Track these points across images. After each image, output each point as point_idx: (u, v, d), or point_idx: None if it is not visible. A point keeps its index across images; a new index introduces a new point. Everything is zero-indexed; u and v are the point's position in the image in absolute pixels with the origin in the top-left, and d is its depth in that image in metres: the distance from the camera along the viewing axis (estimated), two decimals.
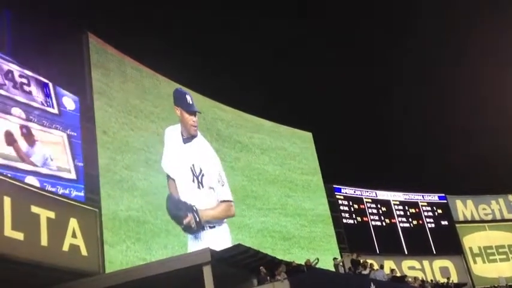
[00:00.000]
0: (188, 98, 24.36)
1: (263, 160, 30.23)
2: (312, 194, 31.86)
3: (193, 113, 23.79)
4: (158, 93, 26.97)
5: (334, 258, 23.78)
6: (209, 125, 27.80)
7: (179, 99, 24.39)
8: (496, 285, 33.37)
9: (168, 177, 23.55)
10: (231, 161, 27.89)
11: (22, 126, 19.68)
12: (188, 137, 23.76)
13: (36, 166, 19.57)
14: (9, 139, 19.04)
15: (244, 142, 29.81)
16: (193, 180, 23.43)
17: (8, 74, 20.15)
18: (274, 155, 31.31)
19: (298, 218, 29.75)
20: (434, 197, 37.73)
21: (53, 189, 19.86)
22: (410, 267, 33.17)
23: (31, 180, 19.12)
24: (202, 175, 23.37)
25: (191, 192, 23.27)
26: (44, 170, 19.84)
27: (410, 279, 23.99)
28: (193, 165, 23.46)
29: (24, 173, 19.15)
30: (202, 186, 23.33)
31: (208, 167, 23.75)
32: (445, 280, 28.10)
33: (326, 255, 26.98)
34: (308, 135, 34.97)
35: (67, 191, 20.37)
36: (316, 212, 31.27)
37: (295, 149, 32.95)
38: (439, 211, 37.21)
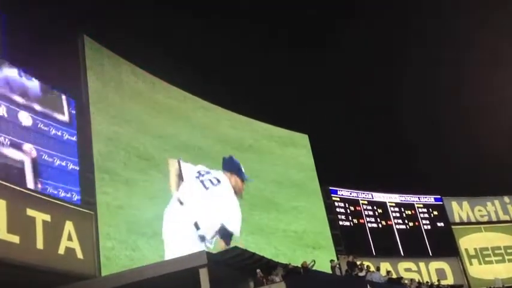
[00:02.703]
0: (242, 167, 23.82)
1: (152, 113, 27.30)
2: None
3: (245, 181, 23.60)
4: (151, 97, 27.05)
5: (331, 261, 23.83)
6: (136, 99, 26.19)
7: (235, 168, 23.49)
8: (492, 287, 33.44)
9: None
10: (161, 135, 26.06)
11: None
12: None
13: None
14: None
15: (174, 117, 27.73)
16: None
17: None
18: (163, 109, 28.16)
19: None
20: (430, 199, 37.79)
21: (55, 192, 19.90)
22: (407, 269, 33.19)
23: (24, 116, 19.58)
24: None
25: None
26: (37, 107, 20.36)
27: (406, 281, 24.03)
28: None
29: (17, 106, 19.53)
30: None
31: None
32: (436, 282, 28.08)
33: None
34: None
35: (69, 195, 20.44)
36: None
37: (183, 105, 29.58)
38: (435, 213, 37.27)
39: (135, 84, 26.55)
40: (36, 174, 19.61)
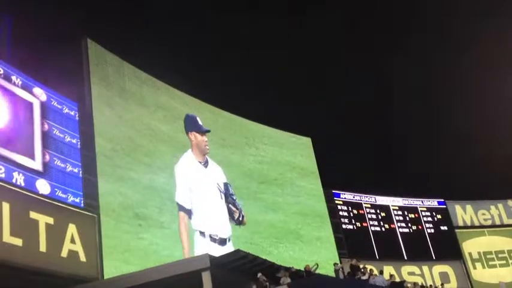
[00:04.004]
0: (198, 119, 25.58)
1: (157, 117, 27.22)
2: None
3: (204, 133, 25.32)
4: (155, 99, 27.09)
5: (335, 264, 23.83)
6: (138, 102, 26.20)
7: (192, 124, 25.51)
8: None
9: (182, 209, 23.93)
10: (164, 138, 26.15)
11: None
12: (205, 161, 25.19)
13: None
14: None
15: (176, 121, 27.35)
16: (221, 197, 25.24)
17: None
18: (168, 114, 28.01)
19: None
20: (433, 202, 37.67)
21: (64, 196, 20.02)
22: (410, 273, 33.09)
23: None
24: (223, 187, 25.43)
25: (222, 208, 25.19)
26: None
27: (409, 285, 23.94)
28: (217, 183, 25.36)
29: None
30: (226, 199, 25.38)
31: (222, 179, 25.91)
32: (439, 286, 27.93)
33: None
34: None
35: (77, 200, 20.55)
36: None
37: (187, 110, 29.27)
38: (439, 216, 37.15)
39: (139, 86, 26.60)
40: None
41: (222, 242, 24.04)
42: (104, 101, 24.01)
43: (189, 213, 23.83)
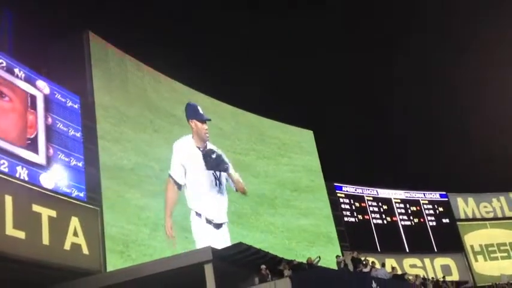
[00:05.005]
0: (199, 108, 26.02)
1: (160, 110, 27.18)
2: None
3: (205, 121, 25.78)
4: (158, 92, 27.15)
5: (337, 256, 23.85)
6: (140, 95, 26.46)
7: (193, 112, 25.97)
8: (497, 283, 33.32)
9: (173, 179, 24.12)
10: (165, 132, 26.41)
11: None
12: (204, 147, 25.60)
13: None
14: None
15: (178, 115, 27.68)
16: (215, 183, 25.68)
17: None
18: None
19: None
20: (435, 195, 37.69)
21: (68, 191, 20.05)
22: (412, 265, 33.17)
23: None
24: (220, 175, 25.81)
25: (217, 195, 25.61)
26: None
27: (411, 277, 23.94)
28: (214, 171, 25.83)
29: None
30: (221, 185, 25.87)
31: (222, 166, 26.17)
32: (441, 278, 27.96)
33: None
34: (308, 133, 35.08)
35: (81, 194, 20.57)
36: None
37: (229, 128, 30.38)
38: (440, 209, 37.19)
39: (141, 79, 26.61)
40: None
41: (218, 225, 24.24)
42: (105, 93, 24.01)
43: (178, 185, 24.18)
